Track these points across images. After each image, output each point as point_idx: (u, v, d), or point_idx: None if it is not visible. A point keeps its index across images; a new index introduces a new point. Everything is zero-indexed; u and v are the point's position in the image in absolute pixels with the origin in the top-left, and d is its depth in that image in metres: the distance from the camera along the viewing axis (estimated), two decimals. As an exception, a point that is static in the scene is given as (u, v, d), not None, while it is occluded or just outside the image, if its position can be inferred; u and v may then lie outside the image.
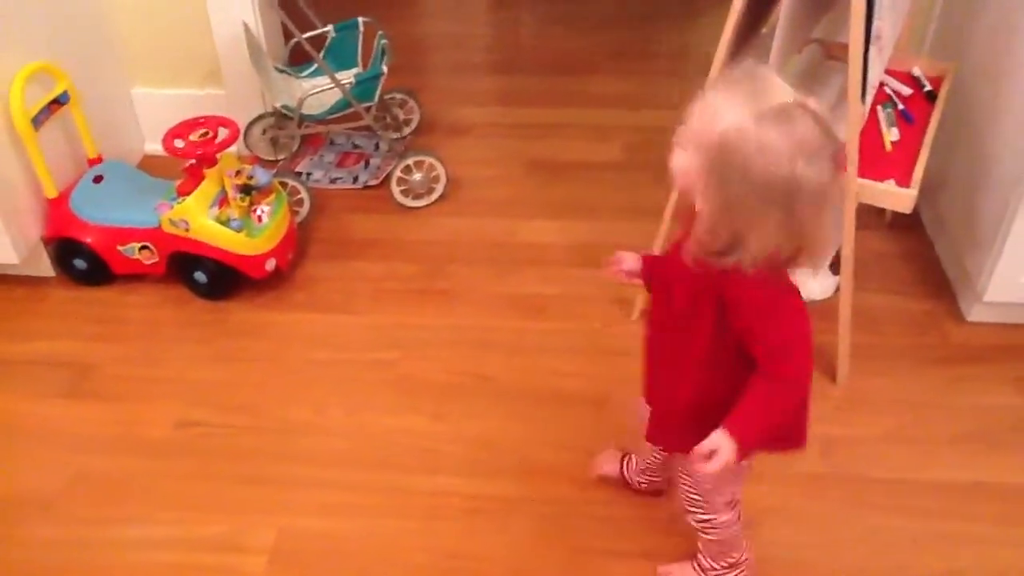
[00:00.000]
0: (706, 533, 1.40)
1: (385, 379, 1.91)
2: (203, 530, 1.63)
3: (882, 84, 1.97)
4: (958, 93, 1.99)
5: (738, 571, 1.45)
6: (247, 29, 2.27)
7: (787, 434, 1.22)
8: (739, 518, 1.39)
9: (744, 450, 1.08)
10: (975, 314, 1.97)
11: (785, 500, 1.65)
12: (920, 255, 2.18)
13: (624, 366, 1.89)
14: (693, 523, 1.40)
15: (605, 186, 2.44)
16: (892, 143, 1.82)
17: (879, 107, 1.91)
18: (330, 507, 1.66)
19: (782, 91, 0.98)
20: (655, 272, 1.30)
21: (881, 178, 1.70)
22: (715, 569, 1.45)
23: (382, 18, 2.47)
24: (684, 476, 1.36)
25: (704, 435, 1.10)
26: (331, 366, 1.95)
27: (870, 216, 2.22)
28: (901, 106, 1.92)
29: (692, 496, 1.36)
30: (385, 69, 2.21)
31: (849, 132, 1.60)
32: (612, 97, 2.82)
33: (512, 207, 2.39)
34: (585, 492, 1.67)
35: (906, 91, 1.96)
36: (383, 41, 2.30)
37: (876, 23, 1.61)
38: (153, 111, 2.47)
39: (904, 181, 1.71)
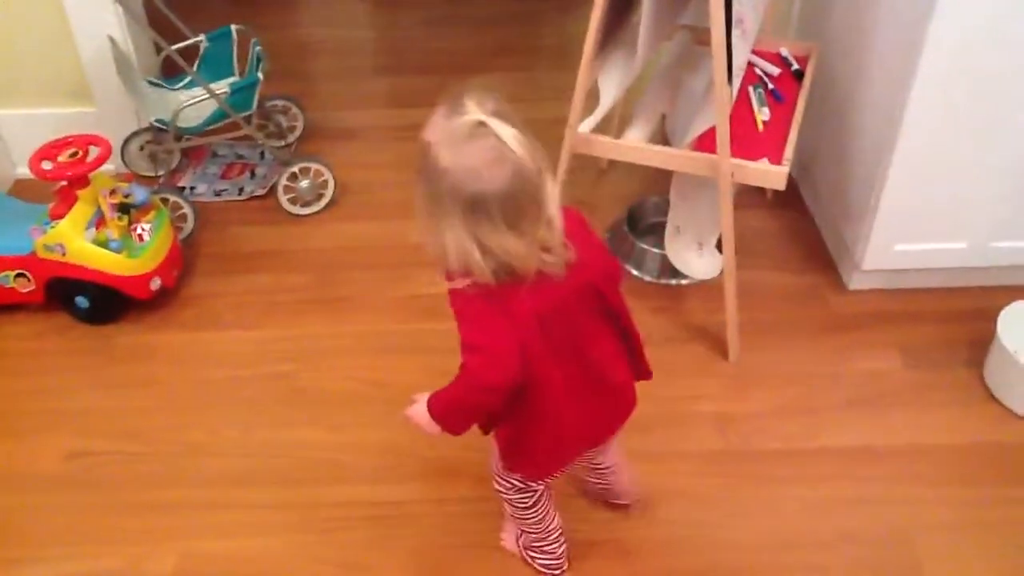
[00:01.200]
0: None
1: (282, 393, 1.88)
2: (99, 564, 1.57)
3: (752, 65, 2.02)
4: (823, 71, 2.05)
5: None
6: (114, 44, 2.19)
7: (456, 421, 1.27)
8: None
9: (433, 415, 1.23)
10: (856, 283, 2.04)
11: (682, 479, 1.69)
12: (801, 229, 2.25)
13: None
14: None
15: (498, 182, 2.44)
16: (764, 123, 1.88)
17: (750, 88, 1.96)
18: (230, 528, 1.63)
19: (476, 113, 1.06)
20: None
21: (755, 157, 1.75)
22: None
23: (259, 25, 2.42)
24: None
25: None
26: (225, 384, 1.90)
27: (751, 195, 2.28)
28: (771, 86, 1.97)
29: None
30: (261, 76, 2.16)
31: (718, 115, 1.64)
32: (502, 93, 2.81)
33: (404, 209, 2.29)
34: (490, 489, 1.67)
35: (775, 71, 2.02)
36: (257, 48, 2.25)
37: (737, 7, 1.65)
38: (21, 133, 2.36)
39: (776, 159, 1.76)
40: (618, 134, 1.89)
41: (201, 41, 2.32)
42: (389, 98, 2.88)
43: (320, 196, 2.32)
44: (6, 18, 2.24)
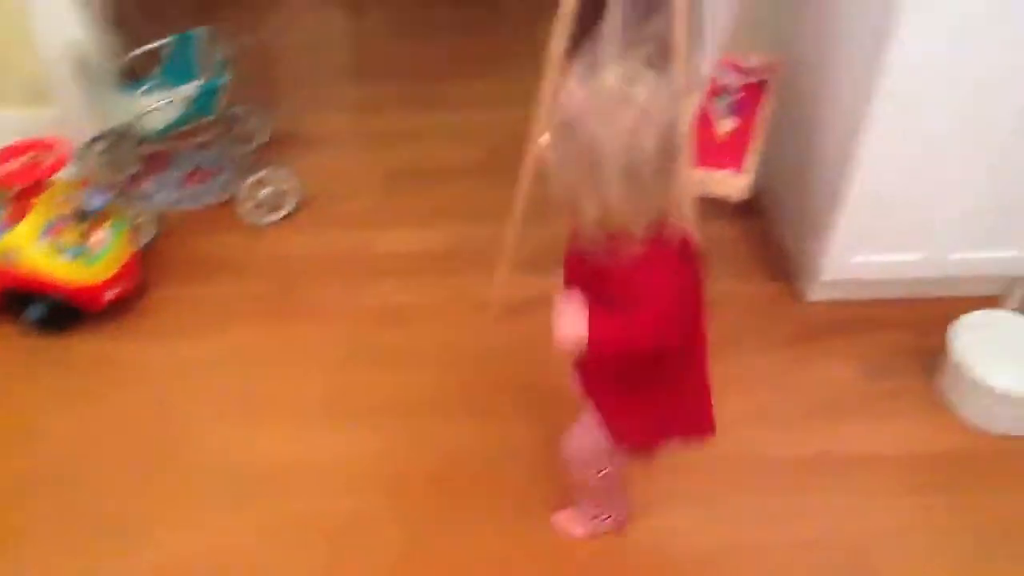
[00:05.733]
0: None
1: (244, 404, 1.86)
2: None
3: (716, 77, 2.03)
4: (787, 83, 2.07)
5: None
6: (75, 46, 2.16)
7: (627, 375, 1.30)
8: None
9: (592, 342, 1.17)
10: (815, 294, 2.06)
11: (638, 488, 1.68)
12: (762, 240, 2.26)
13: (491, 370, 1.92)
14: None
15: (468, 190, 2.43)
16: (727, 133, 1.89)
17: (714, 99, 1.97)
18: (192, 539, 1.61)
19: (621, 78, 1.09)
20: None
21: (717, 167, 1.76)
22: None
23: (228, 29, 2.39)
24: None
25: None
26: (186, 395, 1.88)
27: (713, 205, 2.29)
28: (735, 97, 1.99)
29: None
30: (225, 81, 2.14)
31: (681, 126, 1.64)
32: (472, 99, 2.82)
33: (370, 217, 2.35)
34: (455, 499, 1.68)
35: (739, 82, 2.04)
36: (223, 52, 2.23)
37: (702, 19, 1.66)
38: (-23, 137, 2.32)
39: (738, 169, 1.77)
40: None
41: (165, 45, 2.30)
42: (357, 105, 2.87)
43: (283, 204, 2.31)
44: (-37, 18, 2.20)
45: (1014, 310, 1.98)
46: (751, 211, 2.30)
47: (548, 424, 1.81)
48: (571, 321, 1.19)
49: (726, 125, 1.90)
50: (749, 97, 1.99)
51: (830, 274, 1.96)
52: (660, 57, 2.04)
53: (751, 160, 1.79)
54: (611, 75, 1.09)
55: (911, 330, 1.99)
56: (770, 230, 2.28)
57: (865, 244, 1.90)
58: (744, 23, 2.23)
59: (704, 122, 1.89)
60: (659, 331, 1.17)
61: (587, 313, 1.18)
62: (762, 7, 2.28)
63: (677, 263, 1.19)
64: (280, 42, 3.18)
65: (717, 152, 1.82)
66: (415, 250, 2.25)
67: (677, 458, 1.73)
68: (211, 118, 2.16)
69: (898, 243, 1.90)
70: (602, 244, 1.15)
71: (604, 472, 1.46)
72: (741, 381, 1.89)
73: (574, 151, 1.10)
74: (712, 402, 1.37)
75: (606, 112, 1.07)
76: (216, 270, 2.18)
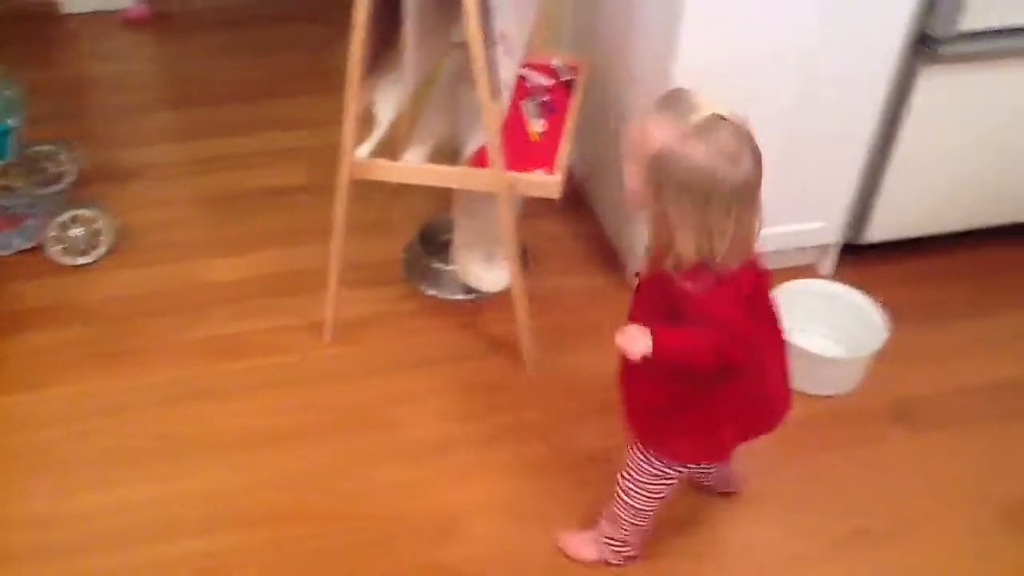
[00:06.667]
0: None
1: (84, 455, 1.78)
2: None
3: (524, 79, 2.07)
4: (596, 80, 2.13)
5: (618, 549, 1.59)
6: None
7: (688, 389, 1.33)
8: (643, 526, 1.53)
9: (656, 355, 1.22)
10: (642, 280, 2.13)
11: (496, 494, 1.72)
12: (592, 233, 2.32)
13: (329, 392, 1.90)
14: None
15: (293, 211, 2.38)
16: (539, 134, 1.93)
17: (525, 101, 2.01)
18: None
19: (705, 107, 1.15)
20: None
21: (530, 169, 1.79)
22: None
23: (23, 64, 2.26)
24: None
25: (647, 432, 1.40)
26: (21, 452, 1.78)
27: (543, 203, 2.33)
28: (544, 98, 2.03)
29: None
30: (18, 122, 2.02)
31: (488, 130, 1.67)
32: (294, 119, 2.75)
33: (194, 248, 2.28)
34: (313, 527, 1.66)
35: (548, 83, 2.08)
36: (9, 91, 2.10)
37: (500, 24, 1.69)
38: None
39: (550, 169, 1.81)
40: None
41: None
42: (174, 133, 2.76)
43: (96, 244, 2.20)
44: None
45: (825, 277, 2.11)
46: (579, 206, 2.36)
47: (387, 443, 1.81)
48: (636, 336, 1.23)
49: (537, 126, 1.94)
50: (557, 97, 2.03)
51: (651, 261, 2.03)
52: (466, 63, 2.07)
53: (563, 159, 1.83)
54: (699, 109, 1.14)
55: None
56: (598, 223, 2.34)
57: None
58: (549, 24, 2.29)
59: (516, 124, 1.93)
60: (723, 348, 1.20)
61: (652, 328, 1.23)
62: (564, 9, 2.35)
63: (748, 287, 1.24)
64: (88, 72, 3.04)
65: (531, 153, 1.86)
66: (242, 277, 2.19)
67: (534, 460, 1.77)
68: (8, 161, 2.04)
69: (711, 224, 1.99)
70: (684, 273, 1.19)
71: (661, 496, 1.48)
72: (581, 375, 1.95)
73: (674, 183, 1.14)
74: (784, 397, 1.40)
75: (709, 141, 1.12)
76: (34, 319, 2.06)
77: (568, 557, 1.61)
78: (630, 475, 1.46)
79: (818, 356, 1.86)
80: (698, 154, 1.12)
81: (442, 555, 1.63)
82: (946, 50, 1.83)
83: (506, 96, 1.78)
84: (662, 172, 1.15)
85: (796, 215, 2.02)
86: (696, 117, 1.14)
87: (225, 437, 1.82)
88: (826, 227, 2.12)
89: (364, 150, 1.80)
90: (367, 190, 1.85)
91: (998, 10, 1.81)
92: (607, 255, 2.25)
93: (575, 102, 2.00)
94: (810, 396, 1.86)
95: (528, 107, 1.99)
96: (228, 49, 3.14)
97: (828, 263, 2.19)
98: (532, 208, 2.14)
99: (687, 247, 1.17)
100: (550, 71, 2.12)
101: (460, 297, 2.11)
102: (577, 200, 2.36)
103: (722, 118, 1.15)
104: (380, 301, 2.12)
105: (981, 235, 2.23)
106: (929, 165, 2.02)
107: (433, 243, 2.20)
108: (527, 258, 2.17)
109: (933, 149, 1.99)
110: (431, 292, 2.12)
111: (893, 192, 2.05)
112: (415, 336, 2.04)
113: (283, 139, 2.69)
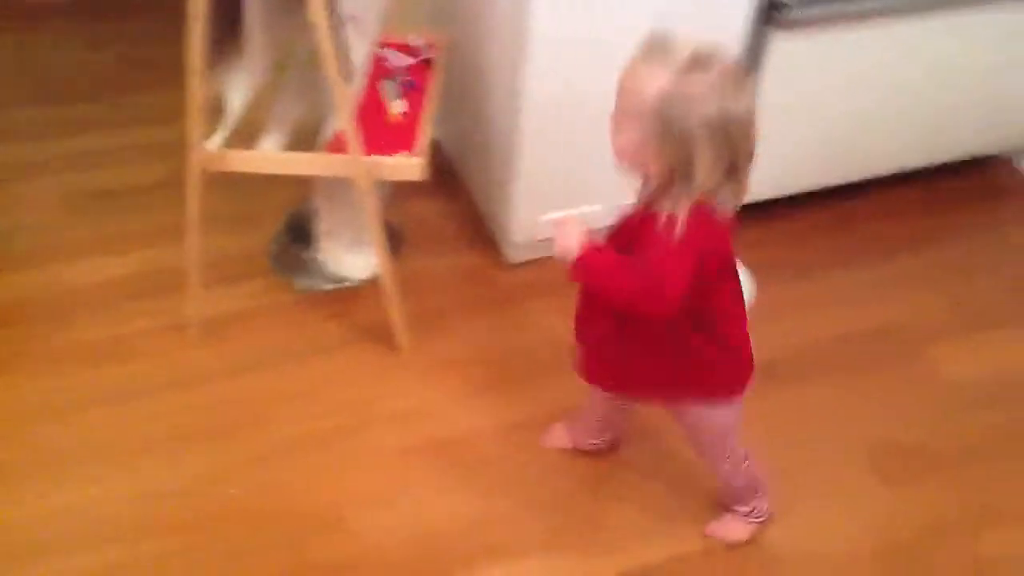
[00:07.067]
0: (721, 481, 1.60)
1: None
2: None
3: (383, 59, 2.03)
4: (457, 58, 2.11)
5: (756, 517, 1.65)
6: None
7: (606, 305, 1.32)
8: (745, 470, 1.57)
9: (578, 262, 1.23)
10: (515, 257, 2.13)
11: (380, 482, 1.71)
12: (464, 212, 2.30)
13: (199, 395, 1.84)
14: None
15: (153, 208, 2.27)
16: (399, 115, 1.89)
17: (384, 81, 1.97)
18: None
19: (685, 44, 1.12)
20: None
21: (390, 152, 1.76)
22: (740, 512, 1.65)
23: None
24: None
25: (628, 375, 1.41)
26: None
27: (411, 183, 2.31)
28: (404, 79, 1.99)
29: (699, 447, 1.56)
30: None
31: (341, 115, 1.63)
32: (154, 113, 2.60)
33: (53, 250, 2.15)
34: (217, 528, 1.63)
35: (408, 63, 2.05)
36: None
37: (347, 5, 1.65)
38: None
39: (411, 151, 1.78)
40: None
41: None
42: (28, 131, 2.55)
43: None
44: None
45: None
46: (450, 185, 2.34)
47: (264, 441, 1.77)
48: (569, 234, 1.22)
49: (397, 107, 1.90)
50: (417, 77, 2.00)
51: (521, 236, 2.03)
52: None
53: (424, 140, 1.81)
54: (682, 48, 1.11)
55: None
56: (470, 201, 2.33)
57: (547, 202, 1.97)
58: (403, 1, 2.25)
59: (374, 106, 1.89)
60: (645, 296, 1.17)
61: (593, 243, 1.21)
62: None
63: (707, 230, 1.19)
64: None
65: (392, 136, 1.82)
66: (105, 278, 2.09)
67: (399, 448, 1.75)
68: None
69: (576, 198, 1.98)
70: (654, 203, 1.18)
71: (747, 463, 1.54)
72: (458, 355, 1.95)
73: (686, 122, 1.10)
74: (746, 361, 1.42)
75: (700, 79, 1.09)
76: None
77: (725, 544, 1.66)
78: (710, 433, 1.49)
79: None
80: (703, 86, 1.10)
81: (330, 549, 1.61)
82: (795, 15, 1.87)
83: (359, 78, 1.74)
84: (670, 115, 1.11)
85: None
86: (683, 54, 1.11)
87: (96, 448, 1.74)
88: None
89: (215, 141, 1.73)
90: (233, 181, 1.79)
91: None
92: (480, 233, 2.24)
93: (436, 81, 1.98)
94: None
95: (387, 88, 1.95)
96: (84, 41, 2.96)
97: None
98: (402, 189, 2.11)
99: (700, 177, 1.13)
100: (409, 49, 2.09)
101: (331, 287, 2.06)
102: (449, 178, 2.34)
103: (707, 50, 1.12)
104: (249, 296, 2.05)
105: (830, 193, 2.32)
106: (783, 129, 2.08)
107: (301, 232, 2.15)
108: (398, 240, 2.14)
109: (784, 113, 2.05)
110: (301, 283, 2.07)
111: (752, 156, 2.11)
112: (286, 329, 1.99)
113: (142, 134, 2.55)
